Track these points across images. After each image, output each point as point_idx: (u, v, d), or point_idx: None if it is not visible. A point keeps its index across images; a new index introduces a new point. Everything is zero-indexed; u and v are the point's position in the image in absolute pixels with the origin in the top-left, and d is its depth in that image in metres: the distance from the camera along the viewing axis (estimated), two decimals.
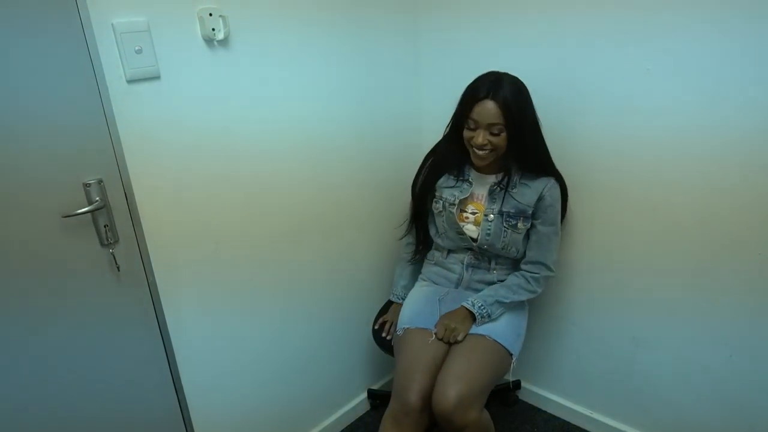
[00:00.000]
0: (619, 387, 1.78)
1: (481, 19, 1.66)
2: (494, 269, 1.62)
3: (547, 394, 1.98)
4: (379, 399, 2.05)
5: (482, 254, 1.61)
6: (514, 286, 1.56)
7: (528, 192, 1.51)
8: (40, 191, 1.13)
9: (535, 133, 1.47)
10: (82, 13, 1.10)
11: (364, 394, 2.05)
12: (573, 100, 1.54)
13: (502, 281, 1.61)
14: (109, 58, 1.16)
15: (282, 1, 1.44)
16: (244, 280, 1.54)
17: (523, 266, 1.59)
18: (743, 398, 1.52)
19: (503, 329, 1.52)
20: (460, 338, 1.48)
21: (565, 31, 1.50)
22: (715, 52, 1.28)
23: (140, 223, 1.28)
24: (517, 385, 2.03)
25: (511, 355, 1.50)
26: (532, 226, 1.54)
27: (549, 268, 1.57)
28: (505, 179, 1.52)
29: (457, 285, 1.66)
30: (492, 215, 1.53)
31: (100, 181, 1.20)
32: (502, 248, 1.56)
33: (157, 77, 1.24)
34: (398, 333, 1.59)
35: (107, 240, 1.24)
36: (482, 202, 1.57)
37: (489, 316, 1.52)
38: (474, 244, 1.58)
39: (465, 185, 1.57)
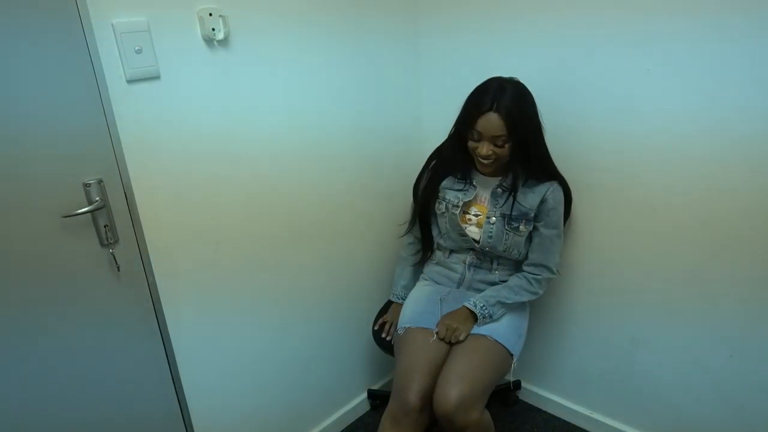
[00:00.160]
0: (619, 387, 1.78)
1: (481, 21, 1.66)
2: (496, 270, 1.62)
3: (547, 394, 1.98)
4: (379, 399, 2.05)
5: (484, 255, 1.61)
6: (516, 287, 1.56)
7: (531, 195, 1.51)
8: (40, 191, 1.13)
9: (539, 140, 1.47)
10: (82, 13, 1.10)
11: (364, 394, 2.05)
12: (573, 101, 1.54)
13: (503, 281, 1.61)
14: (109, 58, 1.16)
15: (282, 1, 1.44)
16: (244, 280, 1.54)
17: (525, 268, 1.59)
18: (743, 398, 1.52)
19: (504, 330, 1.52)
20: (461, 338, 1.48)
21: (565, 32, 1.50)
22: (715, 52, 1.28)
23: (140, 223, 1.28)
24: (517, 385, 2.03)
25: (512, 355, 1.50)
26: (535, 228, 1.54)
27: (551, 271, 1.57)
28: (510, 182, 1.52)
29: (459, 285, 1.66)
30: (494, 218, 1.53)
31: (100, 181, 1.20)
32: (504, 250, 1.56)
33: (157, 77, 1.24)
34: (399, 332, 1.59)
35: (107, 240, 1.24)
36: (485, 204, 1.57)
37: (491, 316, 1.52)
38: (476, 245, 1.58)
39: (470, 188, 1.57)
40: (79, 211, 1.17)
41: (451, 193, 1.58)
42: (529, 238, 1.57)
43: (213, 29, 1.30)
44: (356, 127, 1.73)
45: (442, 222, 1.62)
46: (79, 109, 1.14)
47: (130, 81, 1.20)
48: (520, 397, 2.06)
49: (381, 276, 1.94)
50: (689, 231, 1.46)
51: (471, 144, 1.46)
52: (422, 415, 1.41)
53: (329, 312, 1.82)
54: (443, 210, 1.60)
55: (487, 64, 1.67)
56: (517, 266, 1.63)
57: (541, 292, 1.59)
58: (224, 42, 1.34)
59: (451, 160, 1.57)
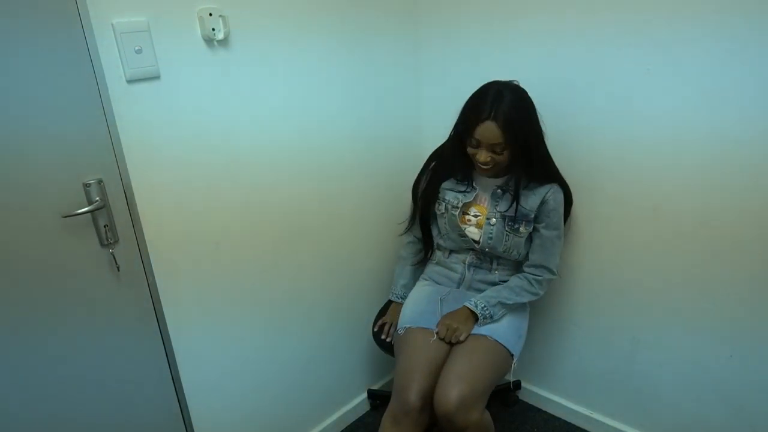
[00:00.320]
0: (619, 387, 1.78)
1: (481, 23, 1.66)
2: (496, 270, 1.62)
3: (547, 394, 1.98)
4: (379, 399, 2.05)
5: (484, 255, 1.61)
6: (516, 288, 1.56)
7: (531, 197, 1.51)
8: (40, 191, 1.13)
9: (539, 145, 1.46)
10: (82, 13, 1.10)
11: (364, 394, 2.05)
12: (573, 101, 1.54)
13: (504, 282, 1.61)
14: (109, 58, 1.16)
15: (282, 2, 1.44)
16: (244, 280, 1.54)
17: (525, 269, 1.59)
18: (743, 398, 1.52)
19: (505, 330, 1.52)
20: (462, 338, 1.48)
21: (565, 33, 1.50)
22: (715, 52, 1.28)
23: (140, 223, 1.28)
24: (517, 385, 2.03)
25: (512, 355, 1.50)
26: (536, 229, 1.54)
27: (552, 272, 1.57)
28: (511, 184, 1.51)
29: (459, 285, 1.66)
30: (494, 219, 1.53)
31: (100, 181, 1.20)
32: (504, 251, 1.56)
33: (157, 77, 1.24)
34: (399, 332, 1.59)
35: (107, 240, 1.24)
36: (485, 205, 1.57)
37: (491, 317, 1.52)
38: (476, 246, 1.58)
39: (470, 189, 1.57)
40: (79, 211, 1.17)
41: (450, 194, 1.58)
42: (530, 239, 1.56)
43: (213, 29, 1.30)
44: (356, 127, 1.73)
45: (442, 222, 1.62)
46: (79, 109, 1.14)
47: (130, 81, 1.20)
48: (520, 397, 2.06)
49: (381, 276, 1.94)
50: (689, 231, 1.46)
51: (470, 150, 1.46)
52: (422, 415, 1.41)
53: (329, 312, 1.82)
54: (443, 211, 1.60)
55: (487, 66, 1.68)
56: (517, 266, 1.63)
57: (541, 292, 1.59)
58: (224, 42, 1.34)
59: (451, 162, 1.57)
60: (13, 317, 1.14)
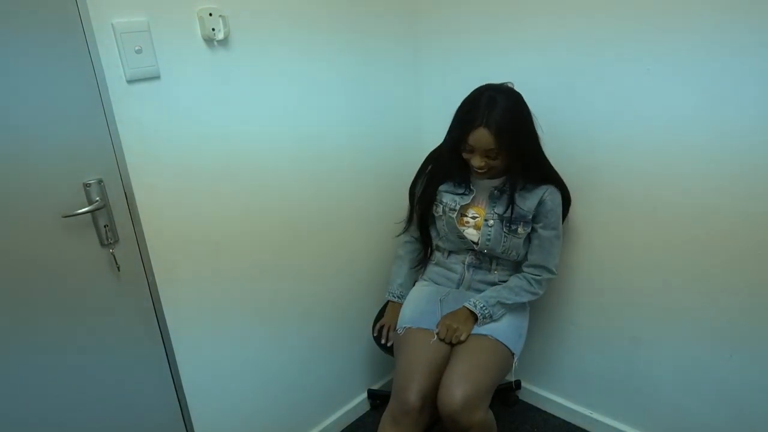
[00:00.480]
0: (619, 387, 1.78)
1: (481, 24, 1.66)
2: (495, 270, 1.62)
3: (547, 394, 1.98)
4: (379, 399, 2.05)
5: (483, 255, 1.61)
6: (516, 288, 1.57)
7: (529, 198, 1.51)
8: (41, 191, 1.13)
9: (534, 148, 1.46)
10: (82, 13, 1.10)
11: (364, 394, 2.05)
12: (573, 101, 1.54)
13: (503, 282, 1.61)
14: (109, 58, 1.16)
15: (282, 2, 1.44)
16: (244, 280, 1.54)
17: (525, 268, 1.59)
18: (744, 398, 1.52)
19: (505, 329, 1.52)
20: (462, 338, 1.48)
21: (565, 33, 1.50)
22: (715, 51, 1.28)
23: (140, 223, 1.28)
24: (517, 385, 2.03)
25: (513, 354, 1.50)
26: (534, 230, 1.54)
27: (551, 271, 1.57)
28: (508, 186, 1.52)
29: (459, 285, 1.66)
30: (492, 220, 1.53)
31: (100, 181, 1.20)
32: (503, 252, 1.56)
33: (157, 77, 1.24)
34: (399, 332, 1.59)
35: (107, 240, 1.24)
36: (483, 207, 1.57)
37: (491, 316, 1.52)
38: (475, 247, 1.58)
39: (467, 191, 1.57)
40: (80, 211, 1.17)
41: (448, 197, 1.58)
42: (528, 240, 1.56)
43: (213, 29, 1.30)
44: (356, 127, 1.73)
45: (440, 224, 1.62)
46: (79, 109, 1.14)
47: (130, 81, 1.20)
48: (520, 397, 2.06)
49: (381, 276, 1.94)
50: (689, 231, 1.46)
51: (465, 155, 1.46)
52: (422, 415, 1.41)
53: (329, 312, 1.82)
54: (440, 213, 1.60)
55: (487, 67, 1.68)
56: (516, 266, 1.63)
57: (541, 292, 1.59)
58: (224, 42, 1.34)
59: (447, 166, 1.56)
60: (13, 317, 1.14)
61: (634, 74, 1.41)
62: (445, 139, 1.52)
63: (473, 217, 1.57)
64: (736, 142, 1.31)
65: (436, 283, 1.70)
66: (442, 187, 1.60)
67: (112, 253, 1.25)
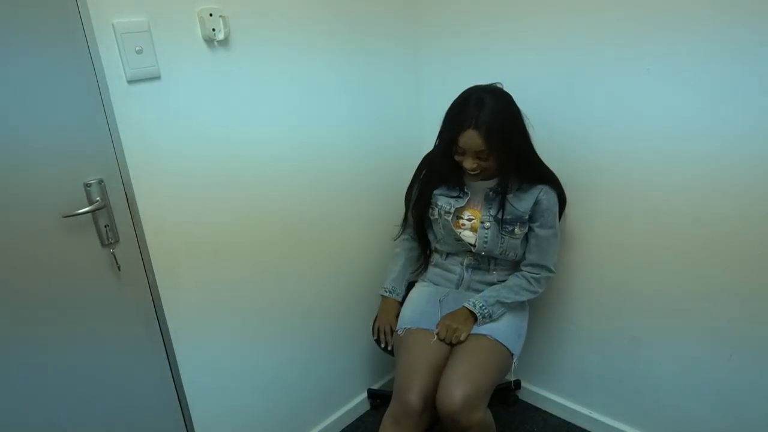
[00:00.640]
0: (619, 387, 1.78)
1: (481, 26, 1.66)
2: (494, 270, 1.62)
3: (547, 394, 1.99)
4: (379, 399, 2.05)
5: (481, 257, 1.61)
6: (515, 287, 1.57)
7: (524, 197, 1.51)
8: (41, 191, 1.13)
9: (525, 147, 1.46)
10: (82, 13, 1.10)
11: (364, 394, 2.05)
12: (573, 102, 1.54)
13: (502, 282, 1.61)
14: (110, 58, 1.16)
15: (282, 2, 1.44)
16: (244, 280, 1.55)
17: (523, 268, 1.59)
18: (743, 398, 1.53)
19: (505, 329, 1.52)
20: (462, 338, 1.48)
21: (565, 33, 1.50)
22: (715, 51, 1.28)
23: (140, 223, 1.28)
24: (517, 384, 2.03)
25: (513, 354, 1.50)
26: (531, 229, 1.54)
27: (550, 270, 1.58)
28: (501, 186, 1.51)
29: (458, 286, 1.66)
30: (488, 222, 1.54)
31: (100, 181, 1.20)
32: (501, 253, 1.56)
33: (157, 77, 1.24)
34: (399, 333, 1.59)
35: (108, 240, 1.24)
36: (478, 209, 1.57)
37: (490, 316, 1.52)
38: (473, 248, 1.58)
39: (461, 194, 1.57)
40: (80, 211, 1.17)
41: (443, 200, 1.59)
42: (526, 239, 1.57)
43: (213, 29, 1.30)
44: (356, 128, 1.73)
45: (437, 228, 1.63)
46: (79, 109, 1.14)
47: (130, 81, 1.20)
48: (520, 397, 2.06)
49: (381, 277, 1.94)
50: (689, 231, 1.46)
51: (457, 157, 1.46)
52: (423, 416, 1.41)
53: (329, 312, 1.82)
54: (436, 216, 1.60)
55: (487, 68, 1.68)
56: (515, 266, 1.63)
57: (540, 290, 1.59)
58: (224, 42, 1.34)
59: (441, 170, 1.56)
60: (13, 317, 1.15)
61: (634, 74, 1.41)
62: (437, 143, 1.52)
63: (469, 219, 1.57)
64: (737, 142, 1.32)
65: (436, 284, 1.70)
66: (436, 191, 1.60)
67: (112, 253, 1.25)
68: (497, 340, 1.49)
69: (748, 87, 1.26)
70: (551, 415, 1.98)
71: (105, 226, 1.23)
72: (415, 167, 1.69)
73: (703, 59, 1.30)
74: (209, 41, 1.31)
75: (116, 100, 1.18)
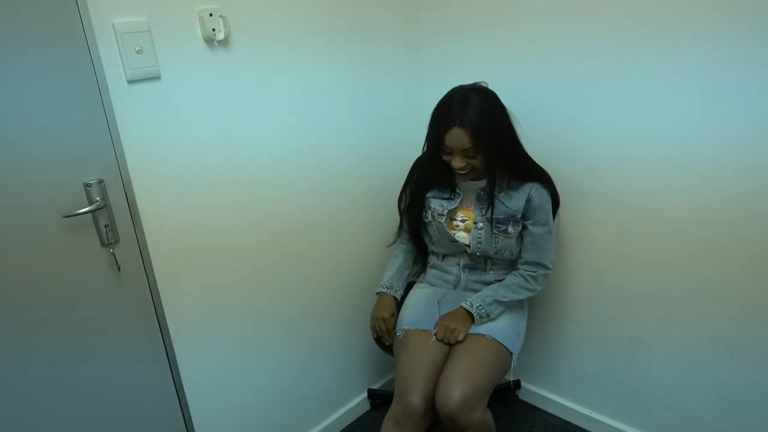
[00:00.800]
0: (619, 387, 1.78)
1: (481, 26, 1.66)
2: (491, 270, 1.62)
3: (547, 394, 1.99)
4: (379, 399, 2.05)
5: (477, 256, 1.61)
6: (513, 286, 1.57)
7: (516, 195, 1.51)
8: (41, 191, 1.13)
9: (512, 144, 1.45)
10: (82, 13, 1.10)
11: (364, 394, 2.05)
12: (573, 102, 1.54)
13: (499, 281, 1.61)
14: (110, 59, 1.16)
15: (282, 2, 1.44)
16: (244, 281, 1.55)
17: (520, 266, 1.59)
18: (743, 398, 1.53)
19: (503, 329, 1.53)
20: (460, 338, 1.48)
21: (565, 33, 1.50)
22: (715, 50, 1.28)
23: (140, 223, 1.29)
24: (517, 384, 2.03)
25: (512, 354, 1.51)
26: (525, 227, 1.54)
27: (546, 267, 1.57)
28: (490, 184, 1.52)
29: (455, 286, 1.66)
30: (481, 222, 1.54)
31: (100, 181, 1.20)
32: (496, 253, 1.56)
33: (157, 77, 1.24)
34: (398, 334, 1.59)
35: (108, 240, 1.24)
36: (471, 209, 1.57)
37: (488, 315, 1.52)
38: (468, 249, 1.58)
39: (453, 196, 1.58)
40: (80, 211, 1.17)
41: (435, 202, 1.59)
42: (521, 238, 1.57)
43: (213, 30, 1.30)
44: (356, 128, 1.73)
45: (432, 230, 1.63)
46: (79, 109, 1.14)
47: (130, 81, 1.20)
48: (520, 397, 2.06)
49: (380, 277, 1.94)
50: (689, 231, 1.46)
51: (445, 157, 1.46)
52: (425, 418, 1.41)
53: (329, 312, 1.83)
54: (430, 219, 1.60)
55: (487, 69, 1.67)
56: (512, 265, 1.63)
57: (539, 288, 1.59)
58: (224, 42, 1.34)
59: (431, 173, 1.56)
60: (13, 316, 1.15)
61: (634, 74, 1.41)
62: (425, 146, 1.53)
63: (462, 221, 1.57)
64: (737, 142, 1.32)
65: (433, 286, 1.70)
66: (429, 194, 1.60)
67: (112, 253, 1.25)
68: (496, 340, 1.49)
69: (749, 87, 1.26)
70: (551, 415, 1.98)
71: (105, 226, 1.23)
72: None
73: (704, 59, 1.30)
74: (209, 41, 1.31)
75: (116, 100, 1.18)
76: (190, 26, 1.27)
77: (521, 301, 1.61)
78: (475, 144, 1.38)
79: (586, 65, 1.49)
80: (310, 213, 1.67)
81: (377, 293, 1.70)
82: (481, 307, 1.52)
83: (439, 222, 1.57)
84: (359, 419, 2.02)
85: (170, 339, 1.41)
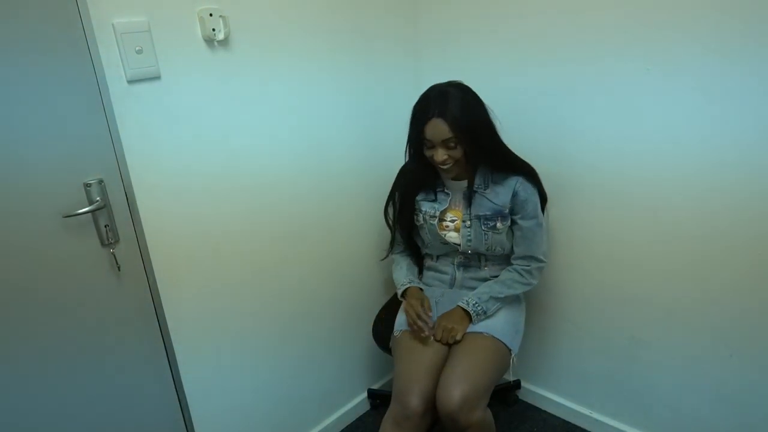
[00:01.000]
0: (619, 387, 1.78)
1: (481, 27, 1.66)
2: (485, 266, 1.63)
3: (547, 394, 1.99)
4: (379, 399, 2.05)
5: (470, 254, 1.61)
6: (508, 281, 1.57)
7: (501, 191, 1.52)
8: (41, 191, 1.13)
9: (491, 135, 1.46)
10: (82, 13, 1.10)
11: (364, 394, 2.05)
12: (573, 101, 1.54)
13: (495, 276, 1.61)
14: (110, 59, 1.16)
15: (282, 2, 1.44)
16: (244, 280, 1.55)
17: (513, 261, 1.60)
18: (743, 398, 1.53)
19: (502, 326, 1.53)
20: (458, 338, 1.49)
21: (565, 33, 1.50)
22: (715, 50, 1.28)
23: (140, 223, 1.29)
24: (517, 384, 2.03)
25: (511, 351, 1.51)
26: (514, 222, 1.55)
27: (539, 260, 1.58)
28: (469, 178, 1.53)
29: (451, 285, 1.67)
30: (470, 221, 1.54)
31: (100, 181, 1.20)
32: (487, 250, 1.57)
33: (157, 77, 1.24)
34: (395, 335, 1.59)
35: (108, 240, 1.24)
36: (459, 209, 1.58)
37: (485, 312, 1.52)
38: (459, 248, 1.59)
39: (442, 196, 1.59)
40: (80, 211, 1.17)
41: (426, 205, 1.60)
42: (511, 233, 1.57)
43: (213, 30, 1.30)
44: (357, 128, 1.73)
45: (423, 233, 1.64)
46: (79, 109, 1.14)
47: (130, 81, 1.20)
48: (520, 397, 2.06)
49: (380, 276, 1.94)
50: (689, 230, 1.46)
51: (427, 152, 1.47)
52: (424, 419, 1.41)
53: (329, 312, 1.83)
54: (421, 222, 1.61)
55: (487, 70, 1.67)
56: (506, 260, 1.63)
57: (534, 282, 1.59)
58: (224, 42, 1.34)
59: (417, 177, 1.58)
60: (13, 316, 1.15)
61: (634, 74, 1.41)
62: (407, 151, 1.55)
63: (452, 221, 1.58)
64: (737, 141, 1.31)
65: (430, 286, 1.70)
66: (418, 197, 1.61)
67: (112, 253, 1.25)
68: (494, 337, 1.49)
69: (749, 87, 1.26)
70: (551, 415, 1.98)
71: (105, 226, 1.23)
72: None
73: (704, 58, 1.30)
74: (209, 41, 1.31)
75: (116, 100, 1.18)
76: (190, 26, 1.27)
77: (519, 298, 1.61)
78: (454, 133, 1.39)
79: (586, 65, 1.49)
80: (310, 213, 1.67)
81: (401, 296, 1.63)
82: (477, 305, 1.52)
83: (431, 224, 1.58)
84: (359, 419, 2.02)
85: (170, 339, 1.41)
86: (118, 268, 1.27)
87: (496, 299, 1.55)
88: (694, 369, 1.59)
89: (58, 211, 1.15)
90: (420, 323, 1.50)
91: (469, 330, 1.51)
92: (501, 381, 2.00)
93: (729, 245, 1.41)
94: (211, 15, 1.29)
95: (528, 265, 1.57)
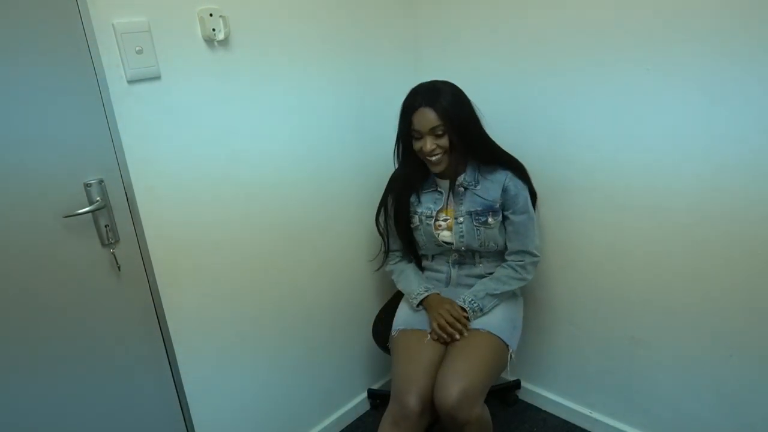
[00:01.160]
0: (618, 387, 1.78)
1: (482, 27, 1.66)
2: (480, 263, 1.63)
3: (547, 394, 1.99)
4: (379, 399, 2.05)
5: (465, 251, 1.62)
6: (503, 277, 1.58)
7: (491, 186, 1.53)
8: (41, 191, 1.13)
9: (477, 127, 1.49)
10: (82, 13, 1.10)
11: (364, 394, 2.05)
12: (573, 101, 1.54)
13: (490, 273, 1.62)
14: (110, 59, 1.16)
15: (282, 2, 1.44)
16: (244, 280, 1.55)
17: (507, 257, 1.60)
18: (743, 398, 1.53)
19: (499, 322, 1.53)
20: (456, 336, 1.49)
21: (565, 34, 1.49)
22: (715, 50, 1.28)
23: (141, 223, 1.29)
24: (516, 384, 2.03)
25: (509, 347, 1.51)
26: (506, 217, 1.56)
27: (533, 254, 1.59)
28: (462, 178, 1.55)
29: (447, 284, 1.67)
30: (461, 217, 1.55)
31: (100, 181, 1.20)
32: (480, 245, 1.57)
33: (157, 77, 1.24)
34: (393, 335, 1.59)
35: (108, 240, 1.24)
36: (450, 207, 1.59)
37: (481, 309, 1.53)
38: (452, 246, 1.59)
39: (436, 195, 1.60)
40: (80, 211, 1.17)
41: (422, 206, 1.61)
42: (503, 228, 1.58)
43: (213, 30, 1.30)
44: (356, 128, 1.73)
45: (418, 235, 1.64)
46: (79, 110, 1.14)
47: (130, 81, 1.20)
48: (520, 397, 2.06)
49: (380, 276, 1.94)
50: (689, 230, 1.46)
51: (416, 145, 1.49)
52: (422, 418, 1.41)
53: (329, 312, 1.83)
54: (417, 223, 1.62)
55: (488, 71, 1.67)
56: (501, 255, 1.64)
57: (529, 277, 1.60)
58: (224, 42, 1.34)
59: (409, 180, 1.60)
60: (13, 316, 1.15)
61: (634, 74, 1.41)
62: (396, 152, 1.58)
63: (444, 220, 1.59)
64: (737, 141, 1.31)
65: None
66: (412, 200, 1.62)
67: (112, 253, 1.26)
68: (492, 333, 1.49)
69: (750, 89, 1.26)
70: (551, 415, 1.98)
71: (105, 226, 1.23)
72: None
73: (704, 58, 1.30)
74: (209, 41, 1.31)
75: (116, 100, 1.18)
76: (190, 26, 1.28)
77: (516, 294, 1.61)
78: (442, 120, 1.42)
79: (586, 65, 1.49)
80: (310, 212, 1.67)
81: (418, 304, 1.59)
82: (473, 302, 1.53)
83: (427, 224, 1.59)
84: (359, 419, 2.02)
85: (170, 339, 1.41)
86: (119, 268, 1.27)
87: (492, 296, 1.55)
88: (694, 369, 1.59)
89: (59, 211, 1.16)
90: (458, 326, 1.49)
91: None
92: (501, 381, 2.00)
93: (730, 245, 1.41)
94: (211, 15, 1.29)
95: (522, 260, 1.58)
